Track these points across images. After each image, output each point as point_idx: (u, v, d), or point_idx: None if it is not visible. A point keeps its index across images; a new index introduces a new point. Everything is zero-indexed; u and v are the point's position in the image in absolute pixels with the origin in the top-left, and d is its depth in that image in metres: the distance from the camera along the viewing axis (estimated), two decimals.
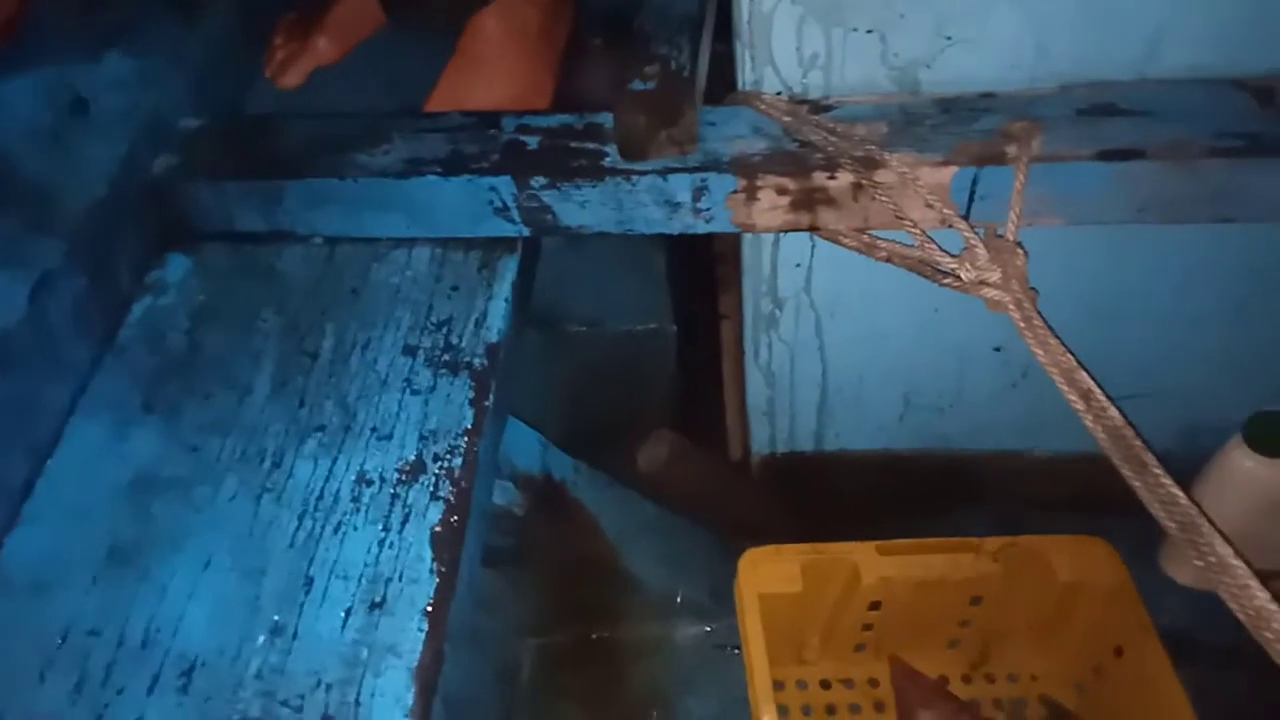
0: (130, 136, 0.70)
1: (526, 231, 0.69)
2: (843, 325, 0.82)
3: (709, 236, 0.96)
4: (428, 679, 0.50)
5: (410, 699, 0.49)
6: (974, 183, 0.60)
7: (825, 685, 0.85)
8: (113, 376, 0.65)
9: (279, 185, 0.70)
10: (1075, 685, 0.81)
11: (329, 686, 0.50)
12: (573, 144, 0.67)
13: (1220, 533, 0.48)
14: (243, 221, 0.72)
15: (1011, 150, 0.59)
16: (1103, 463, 0.58)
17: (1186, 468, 0.65)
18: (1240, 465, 0.72)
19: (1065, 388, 0.54)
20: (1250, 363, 0.79)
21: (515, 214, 0.67)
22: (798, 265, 0.77)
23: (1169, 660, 0.70)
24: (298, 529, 0.56)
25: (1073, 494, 0.90)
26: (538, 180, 0.65)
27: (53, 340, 0.62)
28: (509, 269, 0.70)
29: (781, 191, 0.62)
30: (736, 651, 0.84)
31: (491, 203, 0.67)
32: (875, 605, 0.78)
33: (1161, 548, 0.85)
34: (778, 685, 0.83)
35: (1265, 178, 0.57)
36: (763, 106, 0.65)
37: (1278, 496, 0.72)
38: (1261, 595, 0.46)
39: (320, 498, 0.58)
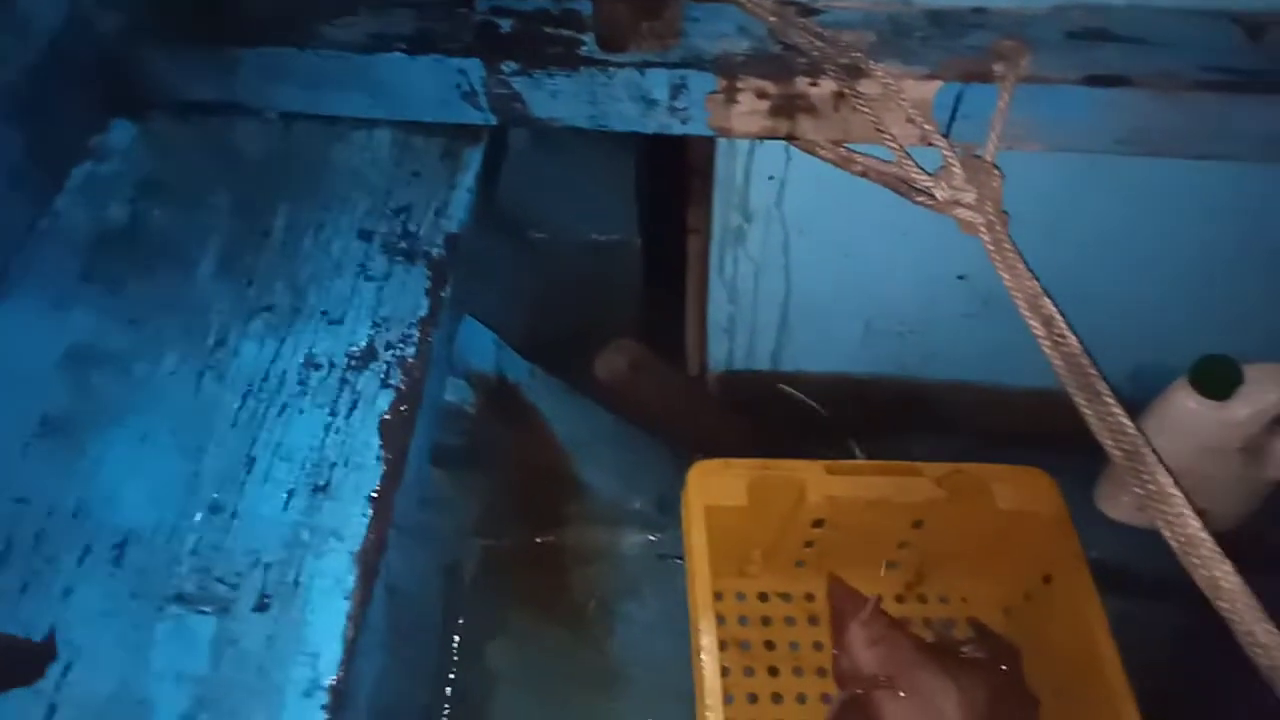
0: None
1: (494, 120, 0.66)
2: (811, 244, 0.81)
3: (681, 148, 0.94)
4: (370, 563, 0.50)
5: (351, 582, 0.49)
6: (957, 100, 0.59)
7: (763, 598, 0.86)
8: (50, 242, 0.62)
9: (234, 53, 0.66)
10: (1003, 609, 0.83)
11: (268, 566, 0.49)
12: (548, 30, 0.64)
13: (1163, 463, 0.49)
14: (195, 90, 0.68)
15: (999, 68, 0.57)
16: (1051, 398, 0.58)
17: (1131, 406, 0.66)
18: (1184, 406, 0.73)
19: (1028, 313, 0.53)
20: (1203, 306, 0.80)
21: (483, 100, 0.64)
22: (771, 178, 0.75)
23: (1095, 588, 0.72)
24: (240, 409, 0.55)
25: (1020, 427, 0.92)
26: (509, 65, 0.62)
27: None
28: (473, 159, 0.68)
29: (762, 95, 0.60)
30: (679, 562, 0.85)
31: (459, 86, 0.64)
32: (819, 523, 0.79)
33: (1098, 484, 0.87)
34: (717, 596, 0.84)
35: (1248, 114, 0.56)
36: (749, 5, 0.62)
37: (1217, 438, 0.73)
38: (1194, 524, 0.47)
39: (265, 379, 0.56)
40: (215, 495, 0.52)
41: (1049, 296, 0.54)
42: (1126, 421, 0.49)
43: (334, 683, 0.46)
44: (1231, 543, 0.46)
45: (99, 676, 0.46)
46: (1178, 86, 0.56)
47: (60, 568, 0.49)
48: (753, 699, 0.81)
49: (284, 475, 0.52)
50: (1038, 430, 0.86)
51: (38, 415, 0.54)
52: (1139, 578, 0.82)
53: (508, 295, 1.07)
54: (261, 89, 0.68)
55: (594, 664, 0.89)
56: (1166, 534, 0.46)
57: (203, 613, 0.48)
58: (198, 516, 0.51)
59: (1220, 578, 0.44)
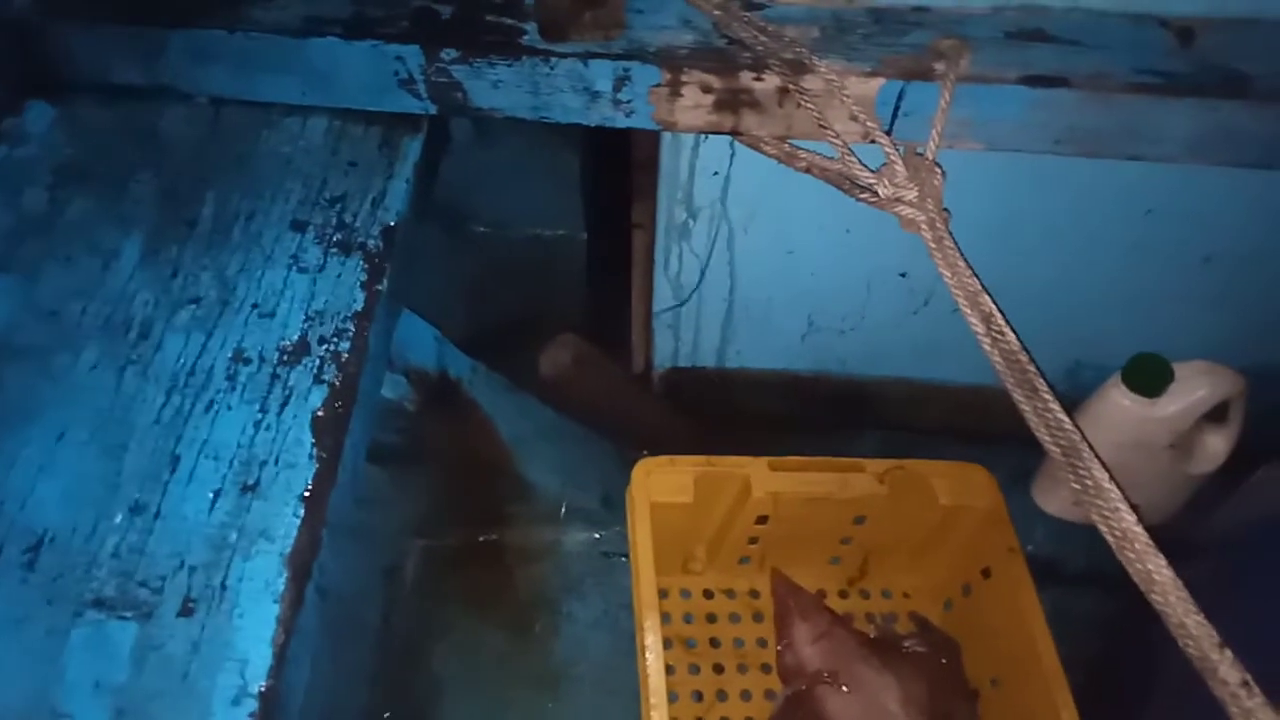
0: None
1: (433, 109, 0.64)
2: (755, 240, 0.81)
3: (627, 144, 0.93)
4: (301, 565, 0.48)
5: (281, 584, 0.47)
6: (899, 97, 0.59)
7: (708, 595, 0.86)
8: None
9: (161, 34, 0.63)
10: (944, 602, 0.84)
11: (193, 569, 0.47)
12: (489, 17, 0.62)
13: (1099, 459, 0.50)
14: (119, 73, 0.66)
15: (940, 67, 0.58)
16: (990, 394, 0.59)
17: (1067, 402, 0.68)
18: (1117, 403, 0.75)
19: (968, 310, 0.54)
20: (1137, 305, 0.82)
21: (422, 88, 0.63)
22: (715, 173, 0.75)
23: (1031, 581, 0.73)
24: (165, 405, 0.53)
25: (960, 423, 0.93)
26: (449, 53, 0.61)
27: None
28: (412, 149, 0.66)
29: (706, 89, 0.60)
30: (623, 559, 0.85)
31: (397, 74, 0.62)
32: (763, 519, 0.80)
33: (1034, 479, 0.88)
34: (662, 593, 0.84)
35: (1177, 116, 0.57)
36: None
37: (1149, 435, 0.75)
38: (1129, 518, 0.48)
39: (191, 374, 0.54)
40: (137, 495, 0.49)
41: (988, 294, 0.54)
42: (1064, 418, 0.50)
43: (263, 689, 0.44)
44: (1163, 537, 0.47)
45: (10, 688, 0.43)
46: (1111, 88, 0.57)
47: None
48: (698, 697, 0.81)
49: (210, 474, 0.50)
50: (977, 426, 0.87)
51: None
52: (1074, 570, 0.84)
53: (449, 289, 1.05)
54: (189, 72, 0.65)
55: (538, 663, 0.88)
56: (1102, 529, 0.47)
57: (123, 618, 0.46)
58: (118, 518, 0.49)
59: (1153, 571, 0.45)
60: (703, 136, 0.73)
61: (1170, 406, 0.74)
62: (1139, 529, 0.46)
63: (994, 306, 0.54)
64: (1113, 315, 0.83)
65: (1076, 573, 0.85)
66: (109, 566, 0.47)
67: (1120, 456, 0.70)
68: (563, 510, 0.93)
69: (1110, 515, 0.47)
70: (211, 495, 0.50)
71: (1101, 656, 0.80)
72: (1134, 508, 0.48)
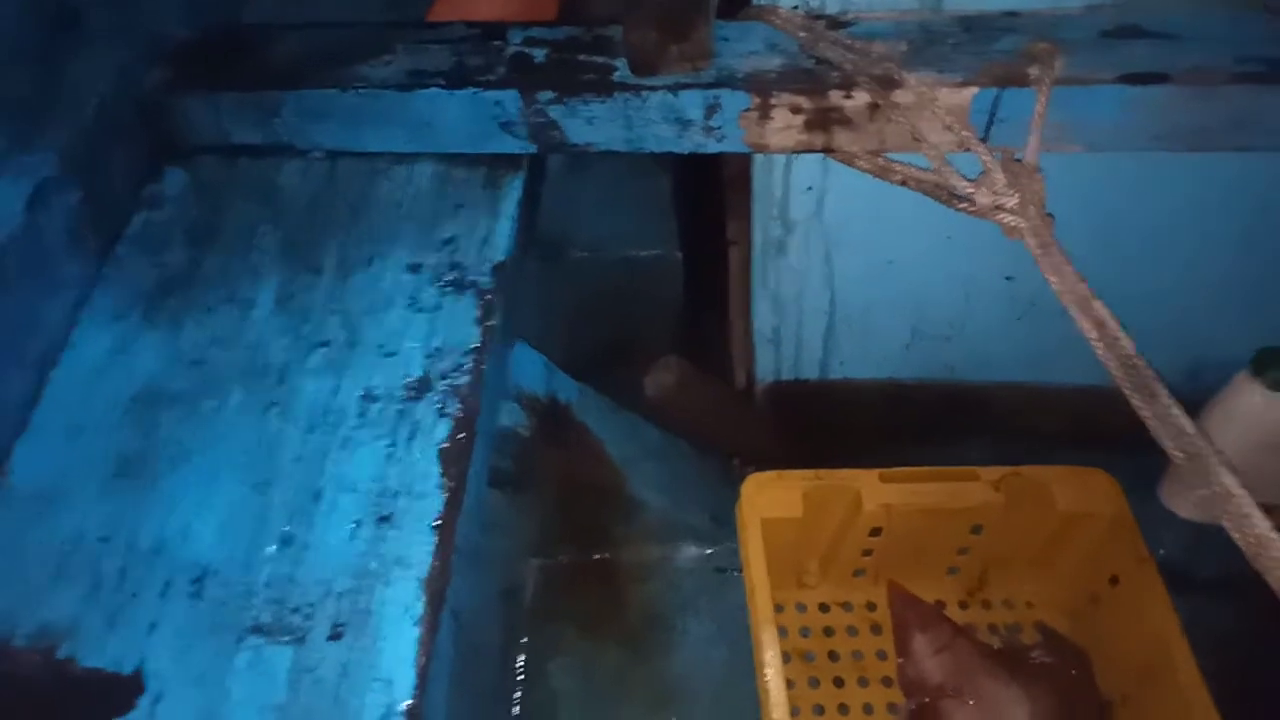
0: (121, 48, 0.68)
1: (533, 148, 0.67)
2: (853, 252, 0.81)
3: (718, 163, 0.95)
4: (437, 590, 0.51)
5: (420, 609, 0.50)
6: (994, 105, 0.58)
7: (824, 609, 0.86)
8: (113, 290, 0.65)
9: (275, 97, 0.68)
10: (1070, 612, 0.82)
11: (340, 595, 0.50)
12: (581, 58, 0.65)
13: (1226, 463, 0.48)
14: (239, 135, 0.71)
15: (1033, 72, 0.57)
16: (1105, 395, 0.57)
17: (1189, 403, 0.65)
18: (1248, 399, 0.72)
19: (1079, 316, 0.53)
20: (1256, 298, 0.79)
21: (521, 130, 0.66)
22: (809, 189, 0.76)
23: (1165, 589, 0.71)
24: (304, 443, 0.56)
25: (1074, 426, 0.91)
26: (545, 95, 0.63)
27: (49, 253, 0.61)
28: (514, 187, 0.69)
29: (796, 110, 0.61)
30: (736, 575, 0.86)
31: (497, 118, 0.65)
32: (876, 531, 0.79)
33: (1162, 481, 0.85)
34: (777, 608, 0.84)
35: None
36: (779, 21, 0.63)
37: None
38: (1263, 524, 0.46)
39: (326, 412, 0.58)
40: (286, 528, 0.53)
41: (1099, 299, 0.53)
42: (1187, 423, 0.48)
43: (409, 708, 0.47)
44: None
45: (185, 708, 0.47)
46: (1214, 80, 0.55)
47: (144, 603, 0.51)
48: (819, 710, 0.81)
49: (350, 506, 0.54)
50: (1095, 428, 0.84)
51: (113, 458, 0.56)
52: (1207, 576, 0.81)
53: (549, 314, 1.09)
54: (304, 130, 0.69)
55: (655, 680, 0.90)
56: (1235, 536, 0.46)
57: (280, 643, 0.49)
58: (270, 549, 0.52)
59: None
60: (795, 154, 0.73)
61: None
62: (1275, 535, 0.45)
63: (1106, 312, 0.53)
64: (1231, 310, 0.79)
65: (1213, 578, 0.81)
66: (264, 595, 0.51)
67: (1253, 456, 0.68)
68: (674, 527, 0.95)
69: (1242, 522, 0.45)
70: (352, 526, 0.53)
71: (1243, 666, 0.76)
72: (1269, 511, 0.47)
